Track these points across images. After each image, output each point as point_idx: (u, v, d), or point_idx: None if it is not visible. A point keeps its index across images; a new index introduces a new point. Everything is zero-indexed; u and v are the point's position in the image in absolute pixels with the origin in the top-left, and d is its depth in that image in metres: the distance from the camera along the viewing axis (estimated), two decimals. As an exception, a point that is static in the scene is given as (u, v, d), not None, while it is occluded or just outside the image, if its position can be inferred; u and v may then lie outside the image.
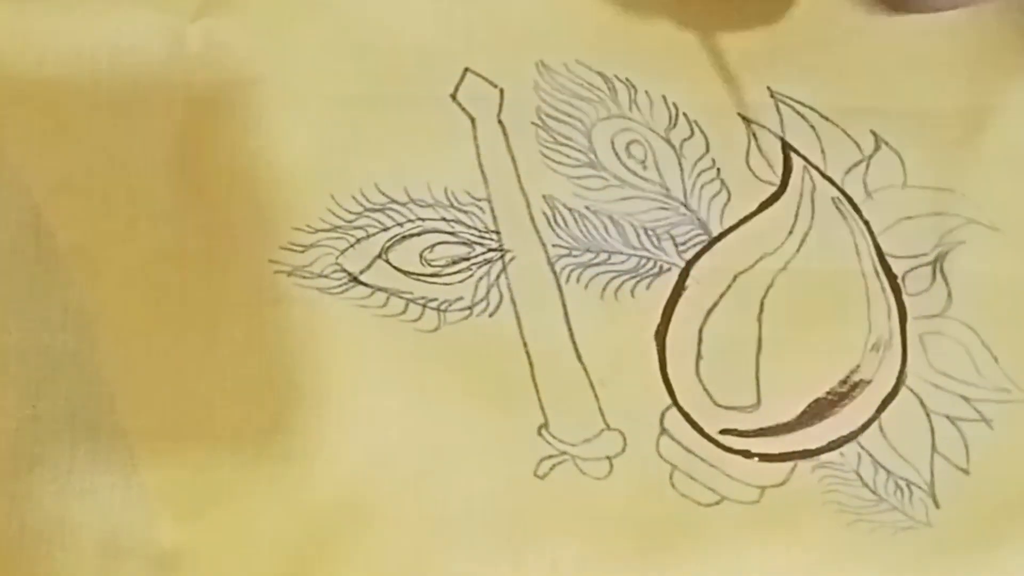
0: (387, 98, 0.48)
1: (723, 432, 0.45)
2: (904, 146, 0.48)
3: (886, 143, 0.48)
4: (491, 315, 0.46)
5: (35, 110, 0.47)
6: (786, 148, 0.48)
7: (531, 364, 0.45)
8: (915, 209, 0.47)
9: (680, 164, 0.47)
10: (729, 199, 0.47)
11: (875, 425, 0.45)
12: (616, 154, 0.48)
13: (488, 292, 0.46)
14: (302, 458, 0.43)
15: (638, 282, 0.46)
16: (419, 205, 0.46)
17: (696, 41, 0.47)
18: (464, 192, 0.47)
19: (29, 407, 0.43)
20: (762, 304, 0.46)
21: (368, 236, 0.46)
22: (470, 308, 0.46)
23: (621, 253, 0.47)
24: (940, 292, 0.47)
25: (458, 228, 0.46)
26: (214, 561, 0.43)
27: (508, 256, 0.46)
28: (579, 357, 0.45)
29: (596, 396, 0.45)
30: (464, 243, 0.46)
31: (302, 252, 0.45)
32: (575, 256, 0.46)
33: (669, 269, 0.47)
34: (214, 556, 0.43)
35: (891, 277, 0.47)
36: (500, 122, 0.48)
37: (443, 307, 0.45)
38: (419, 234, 0.46)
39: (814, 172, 0.48)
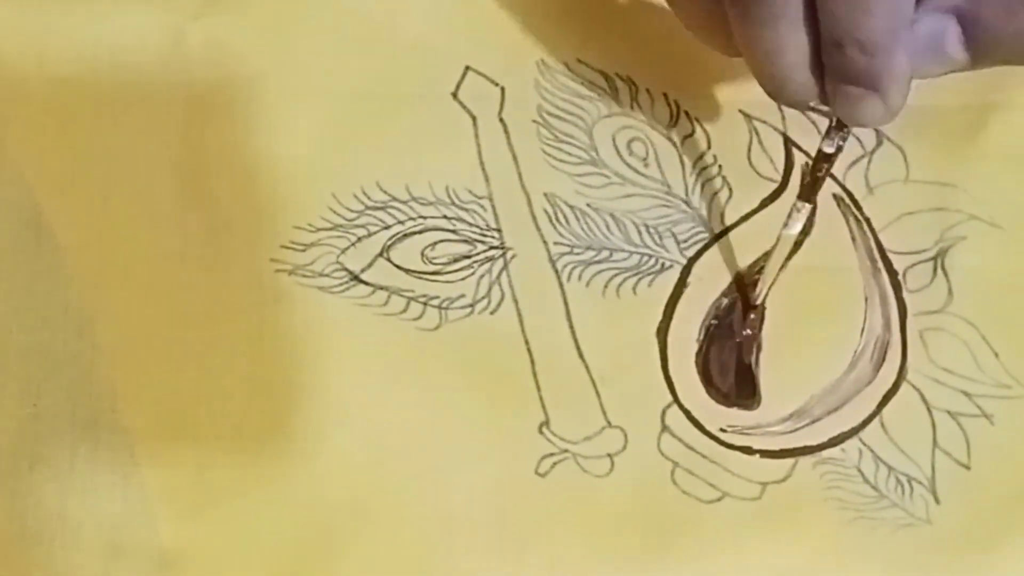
0: (388, 96, 0.48)
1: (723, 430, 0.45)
2: (906, 141, 0.48)
3: (888, 138, 0.48)
4: (492, 313, 0.46)
5: (36, 109, 0.47)
6: (788, 144, 0.48)
7: (532, 362, 0.45)
8: (916, 205, 0.47)
9: (682, 161, 0.47)
10: (731, 196, 0.47)
11: (876, 420, 0.45)
12: (617, 152, 0.48)
13: (489, 290, 0.46)
14: (302, 457, 0.43)
15: (640, 279, 0.46)
16: (420, 203, 0.46)
17: (697, 39, 0.47)
18: (465, 190, 0.47)
19: (30, 406, 0.43)
20: (763, 301, 0.46)
21: (369, 234, 0.46)
22: (471, 306, 0.46)
23: (623, 250, 0.47)
24: (941, 288, 0.47)
25: (459, 226, 0.46)
26: (214, 560, 0.43)
27: (509, 254, 0.46)
28: (580, 355, 0.45)
29: (597, 393, 0.45)
30: (466, 241, 0.46)
31: (303, 251, 0.45)
32: (576, 254, 0.46)
33: (671, 266, 0.46)
34: (214, 555, 0.43)
35: (891, 273, 0.47)
36: (501, 120, 0.48)
37: (444, 305, 0.45)
38: (420, 232, 0.46)
39: (816, 168, 0.48)
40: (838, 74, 0.40)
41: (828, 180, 0.47)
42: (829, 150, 0.43)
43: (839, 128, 0.43)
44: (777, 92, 0.41)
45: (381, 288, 0.45)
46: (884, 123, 0.41)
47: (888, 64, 0.39)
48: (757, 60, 0.41)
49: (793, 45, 0.40)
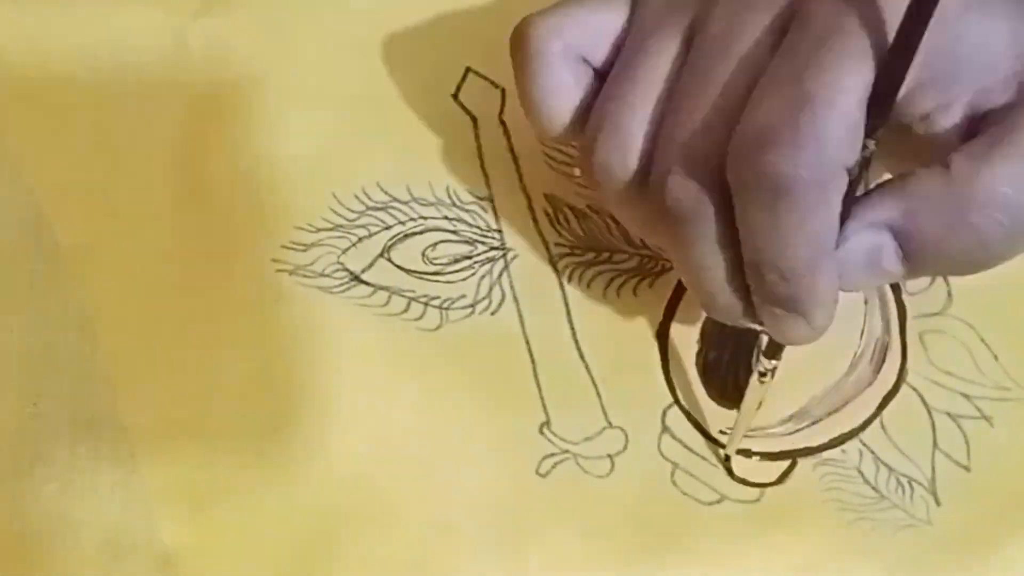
0: (389, 97, 0.48)
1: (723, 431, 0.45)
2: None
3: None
4: (493, 313, 0.46)
5: (37, 109, 0.47)
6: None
7: (533, 362, 0.45)
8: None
9: (682, 162, 0.47)
10: (731, 197, 0.47)
11: (876, 422, 0.45)
12: (618, 152, 0.48)
13: (490, 290, 0.46)
14: (303, 457, 0.43)
15: (640, 281, 0.46)
16: (421, 204, 0.46)
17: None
18: (466, 191, 0.47)
19: (30, 406, 0.43)
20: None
21: (370, 235, 0.46)
22: (472, 306, 0.46)
23: (623, 252, 0.47)
24: (940, 291, 0.47)
25: (460, 227, 0.46)
26: (215, 560, 0.42)
27: (510, 255, 0.46)
28: (581, 355, 0.45)
29: (598, 394, 0.45)
30: (466, 241, 0.46)
31: (304, 251, 0.46)
32: (577, 255, 0.46)
33: (671, 268, 0.46)
34: (215, 555, 0.42)
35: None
36: (502, 121, 0.48)
37: (445, 305, 0.45)
38: (421, 232, 0.46)
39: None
40: (761, 297, 0.39)
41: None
42: (762, 369, 0.43)
43: (771, 352, 0.42)
44: (709, 307, 0.41)
45: (382, 288, 0.45)
46: (811, 341, 0.40)
47: (810, 290, 0.38)
48: (686, 277, 0.41)
49: (715, 266, 0.39)
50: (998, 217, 0.36)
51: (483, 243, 0.46)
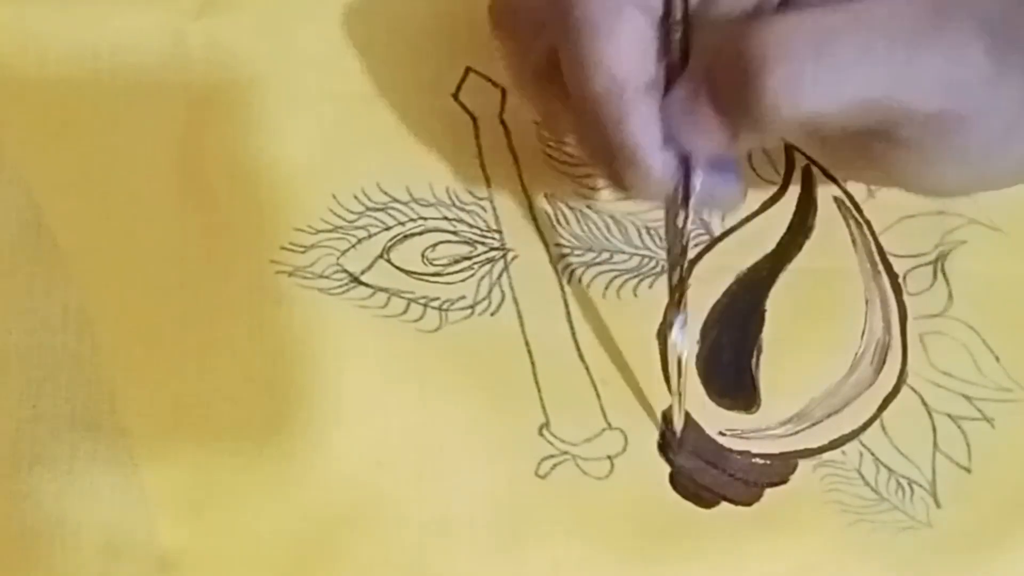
0: (389, 97, 0.48)
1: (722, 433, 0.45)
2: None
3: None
4: (493, 314, 0.46)
5: (36, 110, 0.47)
6: (788, 147, 0.48)
7: (533, 363, 0.45)
8: (917, 208, 0.47)
9: (682, 162, 0.47)
10: (731, 198, 0.47)
11: (877, 423, 0.45)
12: (618, 152, 0.47)
13: (490, 291, 0.46)
14: (302, 458, 0.43)
15: (640, 281, 0.46)
16: (421, 204, 0.46)
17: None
18: (466, 191, 0.47)
19: (29, 407, 0.43)
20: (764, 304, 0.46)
21: (370, 236, 0.46)
22: (472, 307, 0.46)
23: (623, 252, 0.47)
24: (941, 292, 0.47)
25: (460, 227, 0.46)
26: (214, 561, 0.42)
27: (510, 255, 0.46)
28: (581, 356, 0.45)
29: (598, 395, 0.45)
30: (466, 242, 0.46)
31: (303, 252, 0.45)
32: (577, 255, 0.46)
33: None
34: (214, 556, 0.42)
35: (892, 276, 0.47)
36: (502, 121, 0.48)
37: (445, 306, 0.45)
38: (421, 233, 0.46)
39: (816, 171, 0.48)
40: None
41: (829, 183, 0.48)
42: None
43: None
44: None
45: (381, 290, 0.45)
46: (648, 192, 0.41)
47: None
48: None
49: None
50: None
51: (483, 243, 0.46)
